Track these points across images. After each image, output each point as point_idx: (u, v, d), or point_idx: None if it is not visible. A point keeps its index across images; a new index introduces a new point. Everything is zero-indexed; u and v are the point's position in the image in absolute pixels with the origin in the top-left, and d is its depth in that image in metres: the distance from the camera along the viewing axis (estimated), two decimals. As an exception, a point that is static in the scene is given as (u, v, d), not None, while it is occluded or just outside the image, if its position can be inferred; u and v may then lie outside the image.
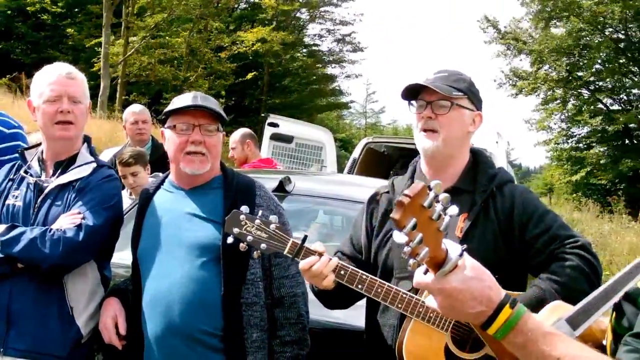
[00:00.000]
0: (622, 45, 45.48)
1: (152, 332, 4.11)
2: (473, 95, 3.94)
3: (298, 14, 44.06)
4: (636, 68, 46.57)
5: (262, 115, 30.00)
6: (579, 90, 47.14)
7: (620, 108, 46.38)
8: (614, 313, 2.37)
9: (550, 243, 3.71)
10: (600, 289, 2.42)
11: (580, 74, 46.95)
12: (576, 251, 3.68)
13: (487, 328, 2.19)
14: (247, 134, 9.25)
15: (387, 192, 4.12)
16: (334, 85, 49.67)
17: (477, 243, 3.69)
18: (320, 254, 3.61)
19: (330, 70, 48.12)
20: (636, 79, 46.97)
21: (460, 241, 3.66)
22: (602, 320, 2.50)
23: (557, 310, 2.71)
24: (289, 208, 5.92)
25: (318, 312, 4.41)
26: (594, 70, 46.68)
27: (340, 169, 14.79)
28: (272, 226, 3.63)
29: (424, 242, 2.03)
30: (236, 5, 42.07)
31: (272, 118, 13.37)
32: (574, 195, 43.82)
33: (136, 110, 8.76)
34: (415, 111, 3.90)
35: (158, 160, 7.91)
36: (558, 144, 48.49)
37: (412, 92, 3.91)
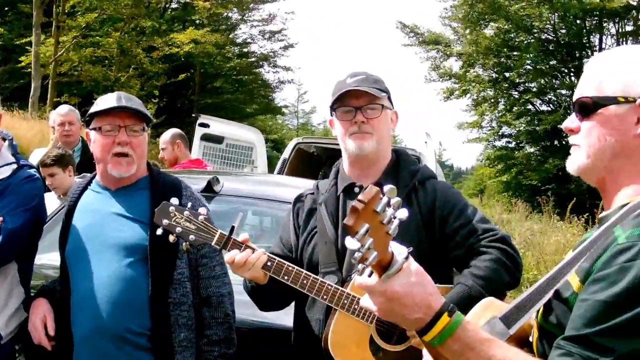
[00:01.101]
0: (551, 47, 46.05)
1: (80, 333, 4.11)
2: (389, 94, 4.02)
3: (229, 14, 43.91)
4: (564, 69, 47.21)
5: (193, 115, 29.93)
6: (509, 92, 47.63)
7: (549, 109, 46.95)
8: (543, 309, 2.41)
9: (470, 236, 3.81)
10: (534, 286, 2.42)
11: (508, 74, 47.46)
12: (496, 244, 3.78)
13: (424, 335, 2.19)
14: (177, 135, 9.24)
15: (312, 193, 4.20)
16: (267, 91, 49.69)
17: (400, 236, 3.71)
18: (248, 246, 3.66)
19: (264, 73, 48.23)
20: (564, 80, 47.65)
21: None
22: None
23: (490, 307, 2.63)
24: (218, 209, 5.96)
25: (245, 311, 4.49)
26: (523, 71, 47.17)
27: (273, 169, 14.75)
28: (201, 217, 3.67)
29: (374, 247, 2.03)
30: (167, 6, 41.83)
31: (203, 118, 13.35)
32: (504, 195, 44.30)
33: (62, 112, 8.66)
34: (343, 118, 3.94)
35: (87, 161, 7.88)
36: (489, 141, 48.96)
37: (337, 98, 3.94)
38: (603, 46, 45.94)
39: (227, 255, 3.69)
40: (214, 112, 36.26)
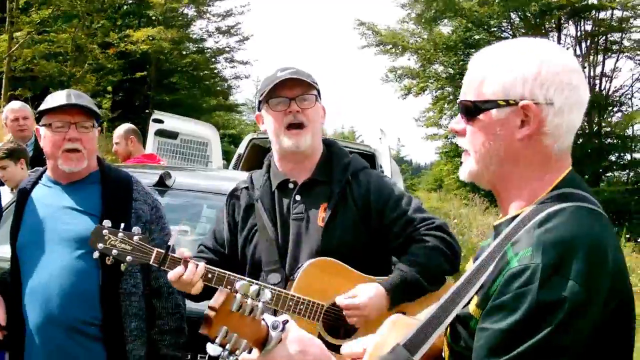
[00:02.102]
0: None
1: (32, 323, 4.16)
2: (319, 89, 4.06)
3: (185, 10, 43.63)
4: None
5: (147, 111, 29.66)
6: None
7: None
8: (450, 329, 2.34)
9: (408, 226, 3.87)
10: (433, 309, 2.31)
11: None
12: (432, 232, 3.86)
13: None
14: (130, 130, 9.30)
15: (247, 187, 4.19)
16: (224, 85, 49.42)
17: (339, 230, 3.84)
18: (186, 261, 3.69)
19: (220, 69, 47.95)
20: None
21: (323, 230, 3.84)
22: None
23: (396, 325, 2.52)
24: (171, 202, 6.07)
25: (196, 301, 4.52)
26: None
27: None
28: (136, 238, 3.71)
29: (241, 336, 2.05)
30: (122, 2, 41.52)
31: (157, 114, 13.39)
32: (463, 190, 44.53)
33: (15, 107, 8.74)
34: (277, 109, 3.93)
35: (40, 156, 7.92)
36: (447, 138, 49.11)
37: (271, 90, 3.93)
38: (561, 44, 46.24)
39: (171, 275, 3.70)
40: (171, 108, 35.90)
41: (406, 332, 2.30)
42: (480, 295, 2.15)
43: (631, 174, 44.56)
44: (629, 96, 45.73)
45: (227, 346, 2.00)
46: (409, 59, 47.91)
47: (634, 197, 41.43)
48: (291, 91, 3.89)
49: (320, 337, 3.75)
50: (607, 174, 44.96)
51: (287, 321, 2.14)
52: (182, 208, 6.50)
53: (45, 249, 4.23)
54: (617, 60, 44.90)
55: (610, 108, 45.74)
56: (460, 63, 46.42)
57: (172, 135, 13.02)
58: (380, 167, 10.62)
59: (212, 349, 2.01)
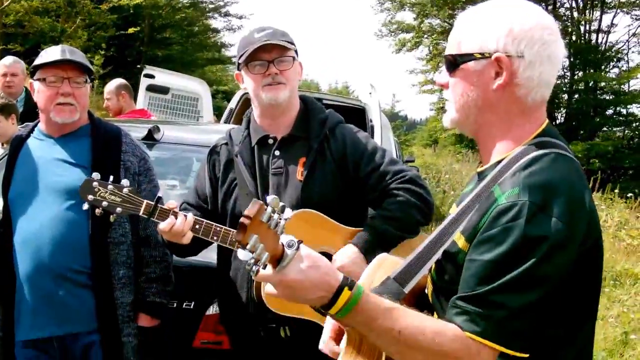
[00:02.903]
0: None
1: (23, 272, 4.33)
2: (295, 47, 4.21)
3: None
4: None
5: (138, 67, 29.60)
6: None
7: None
8: (435, 267, 2.58)
9: (382, 179, 4.05)
10: (423, 245, 2.54)
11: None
12: (405, 185, 4.03)
13: (328, 309, 2.32)
14: (121, 85, 9.36)
15: (226, 143, 4.35)
16: (217, 39, 49.25)
17: (318, 184, 4.03)
18: (175, 213, 3.84)
19: (214, 22, 47.72)
20: None
21: (302, 184, 4.02)
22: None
23: (383, 264, 2.74)
24: (159, 156, 6.23)
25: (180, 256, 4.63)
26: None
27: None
28: (125, 190, 3.85)
29: (265, 250, 2.18)
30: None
31: (148, 69, 13.38)
32: (458, 146, 44.65)
33: (7, 63, 8.76)
34: (256, 72, 4.08)
35: (30, 111, 8.03)
36: (442, 92, 49.21)
37: (250, 54, 4.07)
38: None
39: (163, 225, 3.84)
40: (164, 63, 35.85)
41: (393, 268, 2.54)
42: (469, 231, 2.38)
43: (626, 129, 44.71)
44: (625, 52, 45.80)
45: (254, 254, 2.15)
46: (404, 11, 47.80)
47: (629, 153, 41.58)
48: (269, 54, 4.05)
49: None
50: (603, 130, 45.04)
51: (302, 241, 2.31)
52: (170, 162, 6.66)
53: (37, 200, 4.38)
54: (615, 16, 44.78)
55: (606, 64, 45.72)
56: (456, 17, 46.37)
57: (163, 90, 13.01)
58: (371, 121, 10.71)
59: (242, 254, 2.19)
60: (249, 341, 4.21)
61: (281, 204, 2.21)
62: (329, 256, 3.80)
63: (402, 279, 2.51)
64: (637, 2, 43.40)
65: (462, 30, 2.53)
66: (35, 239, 4.31)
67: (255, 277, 2.33)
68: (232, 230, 3.92)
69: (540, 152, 2.37)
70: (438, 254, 2.49)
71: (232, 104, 12.21)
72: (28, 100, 8.42)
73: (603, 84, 42.70)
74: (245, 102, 12.16)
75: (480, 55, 2.44)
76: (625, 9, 43.99)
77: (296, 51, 4.22)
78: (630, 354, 8.88)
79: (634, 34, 44.71)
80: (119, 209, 3.84)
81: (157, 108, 12.82)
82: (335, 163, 4.10)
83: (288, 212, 2.22)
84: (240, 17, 47.58)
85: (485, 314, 2.23)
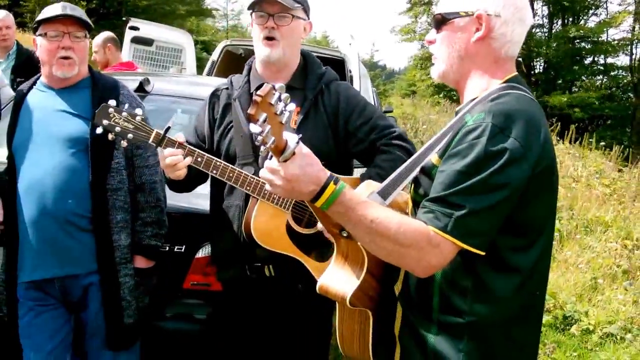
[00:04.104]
0: None
1: (27, 217, 4.59)
2: (307, 6, 4.46)
3: None
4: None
5: (123, 18, 29.56)
6: None
7: None
8: (413, 185, 3.00)
9: (371, 132, 4.36)
10: (403, 166, 3.03)
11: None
12: (395, 142, 4.34)
13: (315, 201, 2.68)
14: (108, 38, 9.47)
15: (227, 88, 4.62)
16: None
17: (309, 133, 4.25)
18: (181, 144, 4.07)
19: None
20: None
21: (295, 131, 4.16)
22: (405, 193, 3.10)
23: (370, 186, 3.13)
24: (149, 107, 6.48)
25: (176, 197, 4.98)
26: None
27: (202, 71, 14.94)
28: (138, 118, 4.04)
29: (271, 133, 2.46)
30: None
31: (133, 22, 13.42)
32: (436, 97, 44.78)
33: (0, 16, 8.82)
34: (257, 22, 4.34)
35: (22, 65, 8.26)
36: (422, 42, 49.05)
37: (254, 3, 4.32)
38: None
39: (161, 152, 4.08)
40: (143, 14, 35.87)
41: (379, 186, 3.00)
42: (442, 149, 2.81)
43: (605, 79, 45.00)
44: (605, 0, 45.88)
45: (262, 133, 2.45)
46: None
47: (607, 103, 41.91)
48: (272, 7, 4.29)
49: (288, 225, 4.24)
50: (582, 79, 45.33)
51: (302, 137, 2.67)
52: (155, 113, 6.92)
53: (40, 149, 4.64)
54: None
55: (586, 12, 45.86)
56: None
57: (148, 42, 13.12)
58: (350, 71, 10.95)
59: (254, 127, 2.46)
60: (236, 280, 4.49)
61: (287, 94, 2.50)
62: None
63: (384, 192, 2.97)
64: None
65: None
66: (38, 185, 4.56)
67: (263, 165, 2.68)
68: (231, 166, 4.17)
69: (507, 91, 2.83)
70: (416, 171, 2.95)
71: (214, 56, 12.36)
72: (19, 54, 8.60)
73: (582, 32, 42.80)
74: (227, 54, 12.31)
75: (464, 13, 2.91)
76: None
77: (306, 10, 4.47)
78: (598, 299, 9.20)
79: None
80: (130, 135, 4.02)
81: (142, 60, 12.94)
82: (328, 115, 4.39)
83: (292, 106, 2.52)
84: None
85: (447, 212, 2.64)
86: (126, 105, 4.17)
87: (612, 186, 15.39)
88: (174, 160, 4.03)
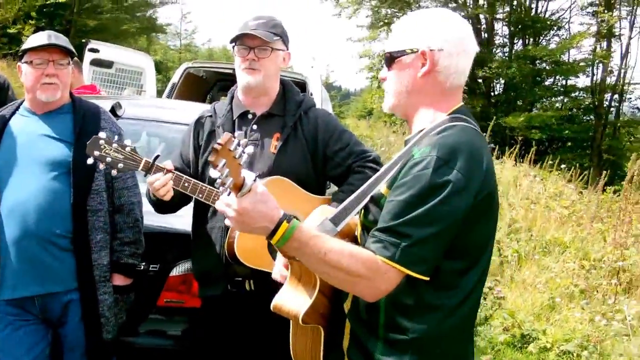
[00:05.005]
0: None
1: (10, 237, 4.87)
2: (285, 38, 4.84)
3: None
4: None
5: (73, 39, 29.54)
6: (404, 10, 47.63)
7: None
8: (363, 212, 3.28)
9: (348, 157, 4.75)
10: (354, 194, 3.28)
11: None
12: (368, 164, 4.75)
13: (271, 239, 2.93)
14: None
15: (210, 116, 4.95)
16: (150, 12, 49.17)
17: (289, 157, 4.68)
18: (169, 170, 4.39)
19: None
20: (460, 2, 48.11)
21: (275, 156, 4.65)
22: (355, 217, 3.33)
23: (324, 212, 3.42)
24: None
25: (152, 218, 5.35)
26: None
27: (157, 91, 15.28)
28: (128, 149, 4.35)
29: (230, 175, 2.76)
30: None
31: (93, 44, 13.63)
32: (392, 117, 44.90)
33: None
34: (239, 54, 4.71)
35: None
36: (380, 62, 49.11)
37: (236, 37, 4.71)
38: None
39: (150, 178, 4.39)
40: (95, 33, 35.81)
41: (331, 213, 3.30)
42: (390, 180, 3.09)
43: (566, 99, 45.48)
44: (567, 20, 46.39)
45: (221, 177, 2.75)
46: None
47: (568, 124, 42.40)
48: (253, 41, 4.67)
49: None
50: (542, 100, 45.76)
51: (259, 175, 2.99)
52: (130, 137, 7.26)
53: (23, 171, 4.93)
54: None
55: (547, 33, 46.42)
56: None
57: (107, 64, 13.32)
58: (311, 93, 11.28)
59: (213, 172, 2.79)
60: (217, 297, 4.80)
61: (245, 140, 2.87)
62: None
63: (336, 219, 3.24)
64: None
65: (398, 32, 3.28)
66: (21, 207, 4.85)
67: (218, 203, 2.98)
68: (216, 189, 4.41)
69: (452, 123, 3.09)
70: (366, 200, 3.22)
71: (175, 78, 12.61)
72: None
73: (542, 53, 43.23)
74: (188, 77, 12.51)
75: (410, 51, 3.17)
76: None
77: (285, 42, 4.85)
78: (556, 318, 9.53)
79: (574, 2, 45.23)
80: (120, 165, 4.31)
81: (102, 82, 13.14)
82: (307, 141, 4.76)
83: (250, 149, 2.89)
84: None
85: (394, 242, 2.89)
86: (116, 137, 4.51)
87: (571, 208, 15.79)
88: (161, 184, 4.36)
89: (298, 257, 3.03)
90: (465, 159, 2.93)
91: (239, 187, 2.89)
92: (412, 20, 3.29)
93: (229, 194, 2.92)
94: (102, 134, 4.41)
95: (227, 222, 3.03)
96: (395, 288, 2.98)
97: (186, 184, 4.47)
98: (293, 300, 3.30)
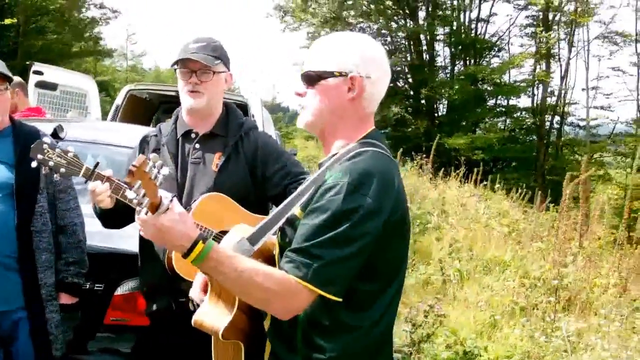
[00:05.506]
0: None
1: None
2: (226, 59, 4.94)
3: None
4: (400, 11, 48.07)
5: (21, 60, 29.45)
6: (345, 30, 48.11)
7: (386, 50, 46.99)
8: (279, 232, 3.35)
9: (285, 177, 4.85)
10: (271, 215, 3.38)
11: (346, 13, 48.04)
12: None
13: (187, 257, 3.03)
14: (16, 83, 9.23)
15: (155, 135, 5.05)
16: (96, 32, 49.16)
17: (230, 175, 4.79)
18: (109, 178, 4.32)
19: (90, 12, 47.55)
20: (400, 23, 48.87)
21: (216, 174, 4.77)
22: (273, 237, 3.42)
23: (241, 230, 3.49)
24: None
25: (97, 239, 5.52)
26: (362, 11, 47.76)
27: (103, 112, 15.23)
28: (70, 154, 4.27)
29: (146, 195, 2.91)
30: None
31: (37, 66, 13.56)
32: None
33: None
34: (182, 77, 4.82)
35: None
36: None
37: (178, 61, 4.80)
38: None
39: (90, 185, 4.35)
40: (40, 54, 35.68)
41: (249, 232, 3.40)
42: (304, 203, 3.19)
43: (508, 120, 46.06)
44: (506, 42, 47.14)
45: (138, 197, 2.92)
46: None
47: (510, 144, 42.88)
48: (194, 64, 4.78)
49: None
50: (485, 121, 46.26)
51: (176, 196, 3.10)
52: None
53: None
54: (493, 4, 45.98)
55: (487, 54, 47.02)
56: (339, 5, 46.76)
57: (52, 86, 13.28)
58: (253, 116, 11.43)
59: (129, 193, 2.94)
60: (162, 313, 4.86)
61: (160, 161, 2.97)
62: None
63: (253, 239, 3.33)
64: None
65: (323, 53, 3.33)
66: None
67: (136, 218, 3.08)
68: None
69: (363, 149, 3.19)
70: (282, 221, 3.31)
71: (118, 100, 12.73)
72: None
73: (484, 75, 43.70)
74: (131, 98, 12.58)
75: (338, 74, 3.23)
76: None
77: (226, 63, 4.95)
78: (497, 335, 9.71)
79: (513, 24, 45.92)
80: (62, 169, 4.23)
81: (46, 104, 13.02)
82: (247, 160, 4.88)
83: (166, 170, 2.98)
84: (114, 12, 47.89)
85: (307, 262, 2.98)
86: (59, 143, 4.57)
87: (511, 226, 16.05)
88: (100, 191, 4.37)
89: (214, 275, 3.13)
90: (376, 184, 3.05)
91: (155, 207, 3.01)
92: (338, 42, 3.36)
93: (146, 213, 3.03)
94: (46, 138, 4.43)
95: (142, 233, 3.14)
96: (312, 308, 3.09)
97: (126, 193, 4.53)
98: (213, 316, 3.40)
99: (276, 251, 3.43)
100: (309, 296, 3.03)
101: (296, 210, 3.26)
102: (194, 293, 3.75)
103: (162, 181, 2.95)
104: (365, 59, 3.29)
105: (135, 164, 2.83)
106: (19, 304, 5.08)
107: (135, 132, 7.69)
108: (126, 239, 5.39)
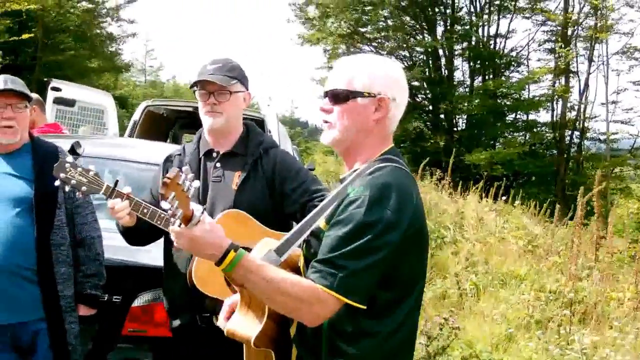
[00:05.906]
0: (404, 3, 46.94)
1: None
2: (244, 79, 5.05)
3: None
4: (417, 26, 48.38)
5: (46, 79, 29.56)
6: (362, 47, 48.12)
7: (403, 66, 47.10)
8: (305, 244, 3.52)
9: (303, 195, 4.92)
10: (296, 228, 3.51)
11: (364, 29, 48.41)
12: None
13: (219, 265, 3.19)
14: (34, 100, 9.25)
15: (179, 154, 5.19)
16: (114, 48, 49.36)
17: (249, 193, 4.89)
18: (128, 195, 4.58)
19: (109, 28, 47.80)
20: (419, 38, 48.99)
21: (236, 192, 4.87)
22: (298, 249, 3.56)
23: (268, 244, 3.60)
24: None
25: (115, 252, 5.68)
26: (378, 27, 48.04)
27: (121, 127, 15.42)
28: (91, 173, 4.54)
29: (179, 207, 3.01)
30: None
31: (55, 82, 13.72)
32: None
33: None
34: (200, 99, 4.94)
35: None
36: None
37: (196, 83, 4.95)
38: (455, 3, 47.26)
39: (109, 202, 4.57)
40: (58, 70, 35.89)
41: (275, 244, 3.55)
42: (328, 216, 3.36)
43: (527, 135, 45.97)
44: (525, 57, 47.03)
45: (172, 208, 3.00)
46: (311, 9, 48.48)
47: (530, 159, 42.79)
48: (211, 86, 4.90)
49: None
50: (505, 136, 46.21)
51: (206, 209, 3.26)
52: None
53: None
54: (511, 20, 45.97)
55: (506, 69, 46.82)
56: (357, 22, 46.83)
57: (70, 103, 13.44)
58: (269, 131, 11.60)
59: (164, 204, 3.00)
60: (185, 328, 4.98)
61: (192, 174, 3.11)
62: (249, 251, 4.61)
63: (280, 250, 3.45)
64: (535, 7, 44.47)
65: (352, 72, 3.45)
66: None
67: (170, 230, 3.23)
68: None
69: (383, 164, 3.36)
70: (307, 233, 3.46)
71: (136, 116, 12.92)
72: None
73: (503, 90, 43.66)
74: (148, 115, 12.71)
75: (367, 94, 3.39)
76: (524, 14, 45.08)
77: (243, 83, 5.06)
78: (513, 348, 9.80)
79: (532, 39, 45.85)
80: (84, 188, 4.49)
81: (64, 121, 13.20)
82: (266, 178, 4.97)
83: (196, 183, 3.11)
84: (131, 22, 48.04)
85: (332, 272, 3.14)
86: (81, 161, 4.71)
87: (525, 238, 16.05)
88: (119, 209, 4.56)
89: (244, 283, 3.25)
90: (395, 198, 3.21)
91: (188, 218, 3.14)
92: (366, 63, 3.52)
93: (179, 225, 3.17)
94: (69, 158, 4.62)
95: (176, 244, 3.28)
96: (337, 315, 3.22)
97: (145, 210, 4.66)
98: (245, 325, 3.51)
99: (301, 262, 3.59)
100: (335, 304, 3.17)
101: (321, 222, 3.42)
102: (219, 322, 3.80)
103: (194, 194, 3.10)
104: (392, 82, 3.47)
105: (169, 176, 2.96)
106: (38, 315, 5.20)
107: (150, 148, 7.85)
108: (143, 253, 5.53)
